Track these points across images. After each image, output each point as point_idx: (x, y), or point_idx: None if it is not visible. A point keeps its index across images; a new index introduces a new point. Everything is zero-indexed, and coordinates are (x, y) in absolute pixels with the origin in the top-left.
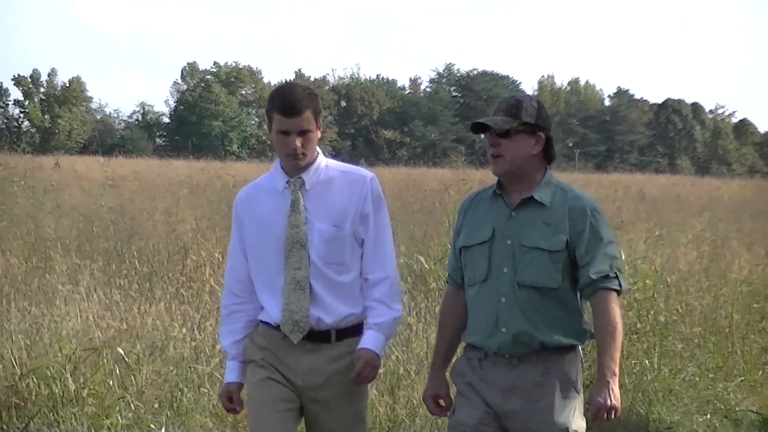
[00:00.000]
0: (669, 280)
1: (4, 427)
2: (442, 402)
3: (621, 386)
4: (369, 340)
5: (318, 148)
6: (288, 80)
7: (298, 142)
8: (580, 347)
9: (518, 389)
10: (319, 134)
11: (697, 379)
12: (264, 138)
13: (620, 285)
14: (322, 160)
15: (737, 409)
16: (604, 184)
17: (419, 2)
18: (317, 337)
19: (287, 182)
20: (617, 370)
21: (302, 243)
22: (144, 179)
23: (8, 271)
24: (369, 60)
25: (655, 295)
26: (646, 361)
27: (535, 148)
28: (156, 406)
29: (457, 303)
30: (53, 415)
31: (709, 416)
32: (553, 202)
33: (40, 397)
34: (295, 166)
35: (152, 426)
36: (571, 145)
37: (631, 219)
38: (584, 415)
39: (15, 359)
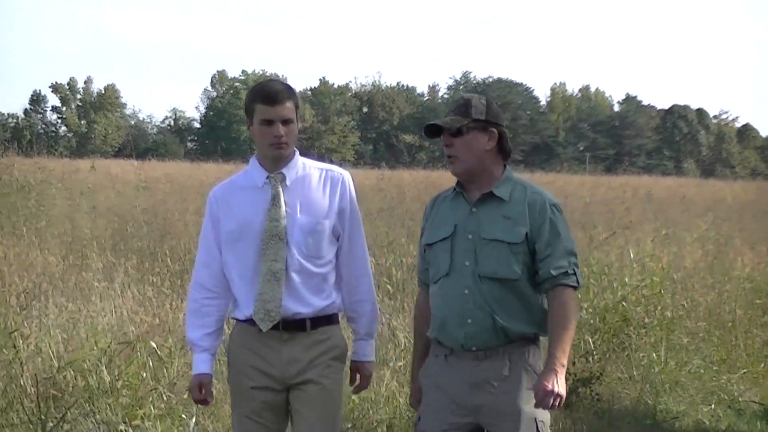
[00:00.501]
0: (675, 277)
1: (43, 417)
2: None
3: (630, 378)
4: (365, 351)
5: (294, 147)
6: (312, 87)
7: (282, 130)
8: (541, 338)
9: (485, 384)
10: (297, 127)
11: (702, 371)
12: None
13: (578, 281)
14: (299, 158)
15: (740, 399)
16: (613, 186)
17: (437, 13)
18: (293, 326)
19: (267, 177)
20: (566, 363)
21: (280, 236)
22: (176, 181)
23: (46, 269)
24: (390, 68)
25: (662, 292)
26: (654, 354)
27: (488, 144)
28: (187, 396)
29: (425, 304)
30: (89, 405)
31: (713, 406)
32: (513, 197)
33: (76, 389)
34: (279, 155)
35: (183, 416)
36: (582, 148)
37: (639, 219)
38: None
39: (53, 353)
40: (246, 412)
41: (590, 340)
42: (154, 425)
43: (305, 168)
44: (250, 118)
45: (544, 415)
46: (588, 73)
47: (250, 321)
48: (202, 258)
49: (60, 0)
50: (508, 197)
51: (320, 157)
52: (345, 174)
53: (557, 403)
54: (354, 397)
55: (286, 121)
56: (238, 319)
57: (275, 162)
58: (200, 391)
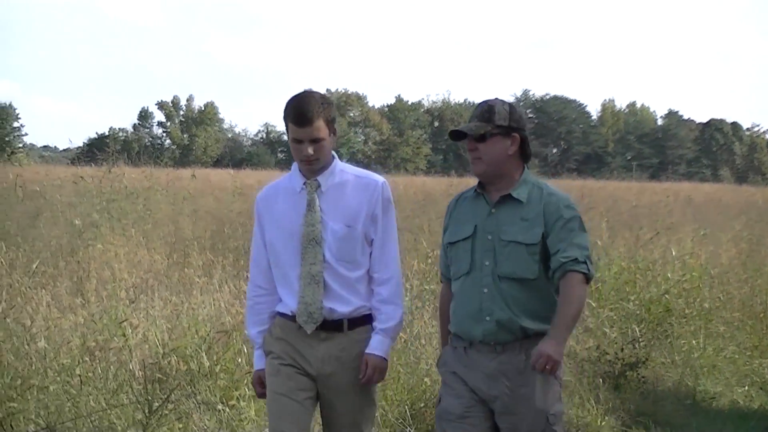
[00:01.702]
0: (712, 272)
1: (149, 398)
2: None
3: (672, 362)
4: (376, 345)
5: (334, 153)
6: (389, 104)
7: (310, 150)
8: None
9: (502, 375)
10: (333, 140)
11: (737, 356)
12: (369, 152)
13: (588, 269)
14: (338, 164)
15: None
16: (657, 191)
17: (501, 36)
18: (330, 326)
19: (304, 183)
20: (567, 337)
21: (317, 240)
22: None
23: (152, 267)
24: (458, 86)
25: (701, 285)
26: (693, 341)
27: (510, 149)
28: None
29: (449, 297)
30: (191, 387)
31: (747, 388)
32: (530, 198)
33: (179, 372)
34: (308, 171)
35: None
36: (629, 158)
37: (680, 221)
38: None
39: (158, 340)
40: (281, 390)
41: (636, 328)
42: (248, 405)
43: (342, 175)
44: (286, 130)
45: (556, 409)
46: (634, 90)
47: (291, 317)
48: (254, 257)
49: (165, 27)
50: (526, 199)
51: (395, 167)
52: (381, 180)
53: (549, 366)
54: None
55: (314, 140)
56: (279, 313)
57: (308, 172)
58: (262, 386)
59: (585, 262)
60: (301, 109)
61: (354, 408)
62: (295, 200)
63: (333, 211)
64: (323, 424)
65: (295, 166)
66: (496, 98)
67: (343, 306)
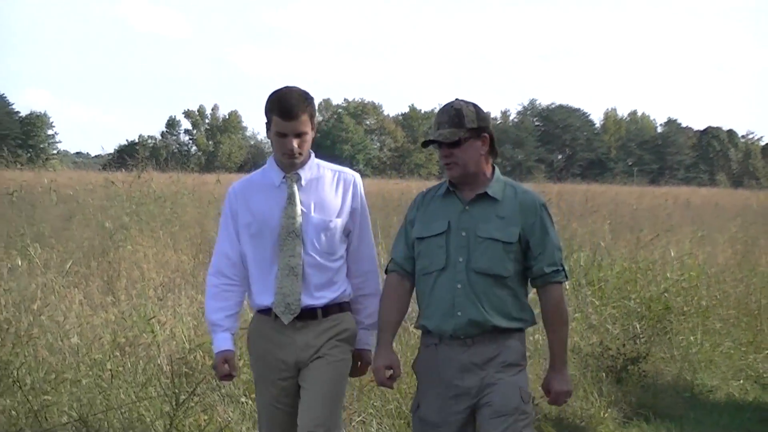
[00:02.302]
0: (709, 272)
1: (176, 391)
2: (391, 372)
3: (671, 357)
4: (367, 340)
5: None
6: (403, 112)
7: (295, 144)
8: (524, 329)
9: (474, 366)
10: (313, 134)
11: (732, 351)
12: (384, 158)
13: (566, 276)
14: (314, 159)
15: (765, 376)
16: (657, 195)
17: (508, 48)
18: (305, 315)
19: (284, 177)
20: (566, 358)
21: (297, 233)
22: None
23: (179, 267)
24: (469, 96)
25: (698, 284)
26: (692, 337)
27: (482, 149)
28: None
29: (400, 290)
30: (215, 381)
31: (742, 381)
32: (504, 196)
33: (204, 367)
34: (291, 164)
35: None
36: (630, 164)
37: (679, 223)
38: (538, 397)
39: (185, 337)
40: (269, 399)
41: (637, 325)
42: None
43: (319, 169)
44: (268, 125)
45: (527, 386)
46: (635, 99)
47: (265, 311)
48: (222, 248)
49: (192, 39)
50: (501, 197)
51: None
52: (356, 176)
53: (567, 399)
54: None
55: (299, 134)
56: (255, 310)
57: (290, 166)
58: (225, 366)
59: (562, 268)
60: (287, 103)
61: (328, 376)
62: (274, 194)
63: (313, 204)
64: (300, 404)
65: (270, 159)
66: (458, 99)
67: (317, 300)
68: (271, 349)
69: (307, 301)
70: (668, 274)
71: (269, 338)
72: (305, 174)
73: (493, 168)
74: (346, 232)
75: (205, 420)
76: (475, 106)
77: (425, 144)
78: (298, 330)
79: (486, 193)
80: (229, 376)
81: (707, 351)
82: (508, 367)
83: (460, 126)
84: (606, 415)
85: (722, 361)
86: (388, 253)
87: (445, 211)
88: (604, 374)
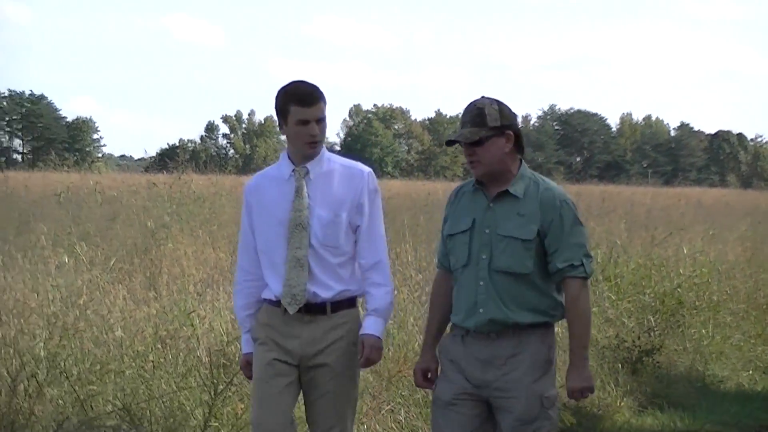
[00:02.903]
0: (720, 268)
1: (215, 381)
2: (429, 375)
3: (683, 349)
4: (370, 325)
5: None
6: (430, 117)
7: (317, 129)
8: (553, 324)
9: (495, 360)
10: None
11: (742, 344)
12: (411, 161)
13: (586, 271)
14: (326, 153)
15: None
16: (670, 196)
17: (529, 57)
18: (314, 309)
19: (292, 170)
20: (587, 354)
21: (303, 225)
22: None
23: (218, 264)
24: None
25: (710, 280)
26: (703, 330)
27: (506, 147)
28: None
29: (445, 285)
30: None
31: (751, 372)
32: (527, 194)
33: (241, 358)
34: (313, 153)
35: None
36: (645, 165)
37: (691, 222)
38: (560, 393)
39: (223, 330)
40: (264, 377)
41: (652, 319)
42: None
43: (330, 163)
44: (284, 119)
45: (551, 393)
46: (650, 104)
47: (275, 303)
48: (241, 243)
49: (229, 49)
50: (523, 194)
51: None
52: (367, 170)
53: (588, 394)
54: None
55: (319, 120)
56: (266, 299)
57: (305, 157)
58: (250, 370)
59: (582, 264)
60: (307, 90)
61: (336, 389)
62: (284, 187)
63: (320, 198)
64: (306, 406)
65: (283, 155)
66: (483, 97)
67: (326, 291)
68: (277, 338)
69: (314, 289)
70: (681, 271)
71: (276, 328)
72: (314, 168)
73: (520, 163)
74: (354, 227)
75: (241, 409)
76: (499, 103)
77: (449, 143)
78: (306, 324)
79: (507, 191)
80: (252, 377)
81: (718, 343)
82: (531, 371)
83: (482, 125)
84: (622, 404)
85: (732, 353)
86: (415, 251)
87: (472, 208)
88: (620, 365)
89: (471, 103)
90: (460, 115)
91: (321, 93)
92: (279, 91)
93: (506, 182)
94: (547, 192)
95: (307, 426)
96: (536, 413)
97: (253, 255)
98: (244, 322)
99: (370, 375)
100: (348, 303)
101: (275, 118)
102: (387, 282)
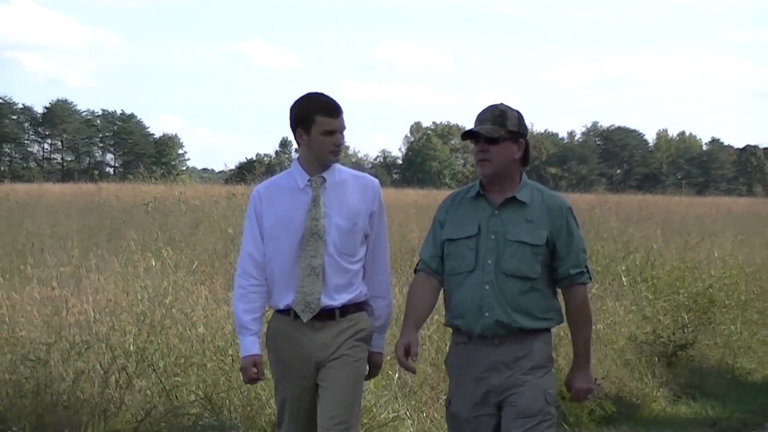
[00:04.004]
0: (747, 270)
1: None
2: (411, 350)
3: (714, 344)
4: (375, 342)
5: None
6: None
7: (342, 139)
8: (552, 327)
9: (501, 364)
10: None
11: None
12: (467, 173)
13: (590, 278)
14: (336, 164)
15: None
16: (702, 204)
17: (574, 77)
18: (323, 316)
19: (308, 180)
20: (590, 357)
21: (320, 234)
22: (384, 203)
23: None
24: (539, 119)
25: (738, 281)
26: (732, 327)
27: (517, 153)
28: (390, 357)
29: (427, 287)
30: None
31: None
32: (533, 200)
33: None
34: (335, 162)
35: (389, 372)
36: (679, 177)
37: (722, 228)
38: (561, 394)
39: None
40: (287, 395)
41: (685, 316)
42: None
43: (341, 174)
44: (307, 128)
45: (553, 389)
46: (684, 121)
47: (285, 312)
48: (247, 249)
49: (301, 70)
50: (529, 201)
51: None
52: (375, 181)
53: (589, 396)
54: None
55: (343, 130)
56: (275, 310)
57: (323, 167)
58: (253, 369)
59: (587, 271)
60: (332, 101)
61: (341, 379)
62: (298, 196)
63: (336, 207)
64: (318, 402)
65: (295, 163)
66: (503, 103)
67: (335, 300)
68: (291, 349)
69: (327, 301)
70: (712, 272)
71: (289, 337)
72: (329, 178)
73: (521, 174)
74: (366, 235)
75: None
76: (518, 113)
77: (466, 135)
78: (317, 330)
79: (515, 197)
80: (256, 380)
81: (746, 339)
82: (535, 369)
83: (502, 125)
84: (658, 394)
85: (759, 348)
86: None
87: (476, 214)
88: (656, 359)
89: (492, 104)
90: (477, 114)
91: (340, 105)
92: (300, 101)
93: (510, 189)
94: (552, 199)
95: None
96: (540, 407)
97: (259, 261)
98: (250, 324)
99: (428, 368)
100: (356, 307)
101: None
102: (387, 294)
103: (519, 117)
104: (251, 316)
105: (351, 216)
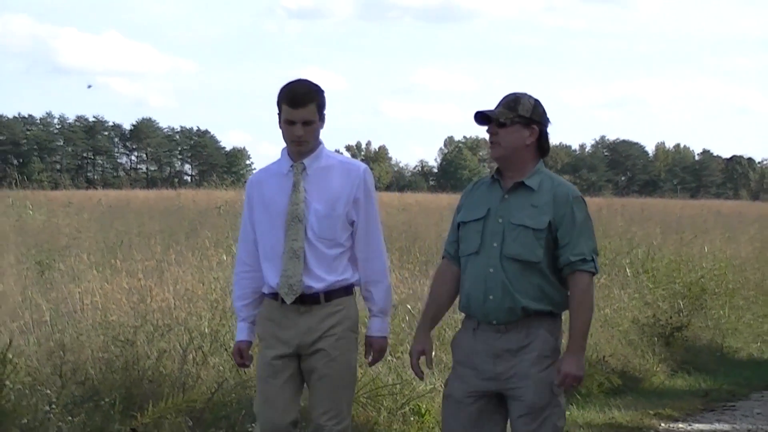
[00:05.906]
0: (734, 263)
1: None
2: (424, 359)
3: (706, 326)
4: (376, 326)
5: (321, 139)
6: None
7: (301, 131)
8: (559, 315)
9: (506, 352)
10: (322, 125)
11: (752, 322)
12: None
13: (595, 267)
14: (324, 150)
15: None
16: (695, 207)
17: (585, 97)
18: (308, 300)
19: (291, 166)
20: (585, 345)
21: (300, 218)
22: (422, 205)
23: None
24: (554, 133)
25: (726, 272)
26: (721, 311)
27: (528, 139)
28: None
29: (447, 274)
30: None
31: (759, 344)
32: (541, 187)
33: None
34: (298, 151)
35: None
36: (675, 183)
37: (712, 227)
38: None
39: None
40: (266, 374)
41: (681, 302)
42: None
43: (328, 159)
44: (279, 116)
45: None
46: (679, 134)
47: (273, 295)
48: (241, 236)
49: (349, 92)
50: (537, 187)
51: None
52: (363, 167)
53: (576, 384)
54: None
55: (306, 122)
56: (264, 294)
57: (298, 154)
58: (240, 356)
59: (592, 260)
60: (296, 92)
61: (332, 373)
62: (283, 181)
63: (316, 192)
64: (309, 392)
65: (283, 150)
66: (525, 93)
67: (318, 283)
68: (276, 331)
69: (309, 281)
70: (704, 265)
71: (274, 320)
72: (311, 163)
73: (538, 162)
74: (350, 221)
75: (361, 373)
76: (536, 101)
77: (477, 116)
78: (301, 314)
79: (523, 182)
80: (243, 365)
81: (733, 322)
82: (540, 360)
83: (512, 110)
84: (658, 369)
85: (744, 329)
86: None
87: (488, 198)
88: (656, 339)
89: (511, 93)
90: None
91: (314, 96)
92: (281, 87)
93: (521, 175)
94: (561, 187)
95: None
96: (547, 400)
97: (251, 247)
98: (240, 311)
99: None
100: (343, 291)
101: (386, 147)
102: (384, 278)
103: (535, 104)
104: (242, 302)
105: (330, 201)
